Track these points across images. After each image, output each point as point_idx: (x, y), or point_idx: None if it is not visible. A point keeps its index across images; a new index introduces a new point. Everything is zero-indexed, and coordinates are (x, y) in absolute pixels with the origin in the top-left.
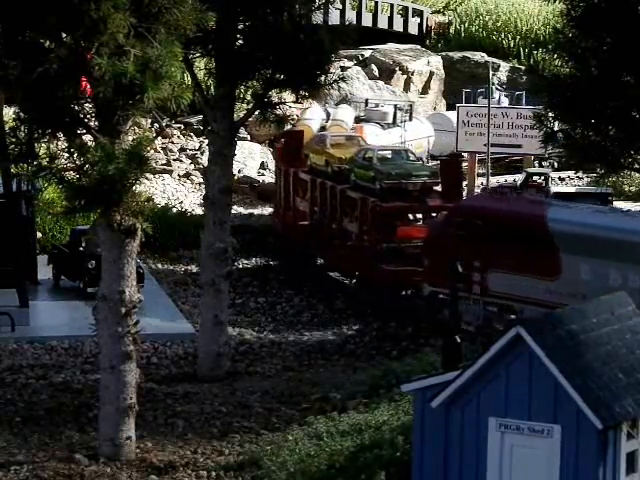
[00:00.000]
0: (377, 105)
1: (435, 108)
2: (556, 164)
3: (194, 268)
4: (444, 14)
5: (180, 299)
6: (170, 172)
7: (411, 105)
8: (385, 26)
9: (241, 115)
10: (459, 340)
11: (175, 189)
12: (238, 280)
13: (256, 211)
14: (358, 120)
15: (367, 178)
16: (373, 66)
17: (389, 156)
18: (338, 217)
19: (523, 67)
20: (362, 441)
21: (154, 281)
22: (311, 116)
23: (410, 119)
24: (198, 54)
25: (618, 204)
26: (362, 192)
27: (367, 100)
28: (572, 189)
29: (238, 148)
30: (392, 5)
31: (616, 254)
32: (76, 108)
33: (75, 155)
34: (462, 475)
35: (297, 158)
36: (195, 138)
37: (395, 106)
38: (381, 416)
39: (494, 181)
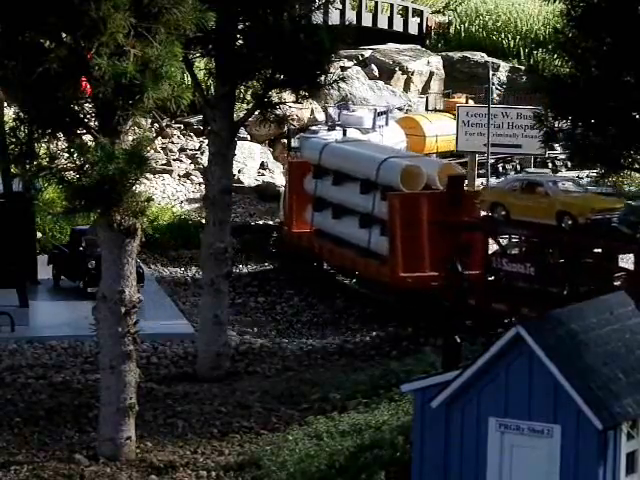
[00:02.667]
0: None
1: (435, 108)
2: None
3: (194, 268)
4: (444, 14)
5: (180, 299)
6: (170, 172)
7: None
8: (385, 26)
9: (241, 115)
10: (459, 340)
11: (175, 189)
12: (238, 280)
13: None
14: None
15: None
16: (373, 66)
17: None
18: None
19: (523, 67)
20: (362, 441)
21: (154, 281)
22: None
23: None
24: (198, 54)
25: None
26: None
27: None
28: None
29: (238, 148)
30: (392, 5)
31: None
32: (76, 108)
33: (75, 155)
34: (462, 475)
35: (458, 207)
36: (195, 138)
37: (289, 130)
38: (381, 416)
39: (493, 181)
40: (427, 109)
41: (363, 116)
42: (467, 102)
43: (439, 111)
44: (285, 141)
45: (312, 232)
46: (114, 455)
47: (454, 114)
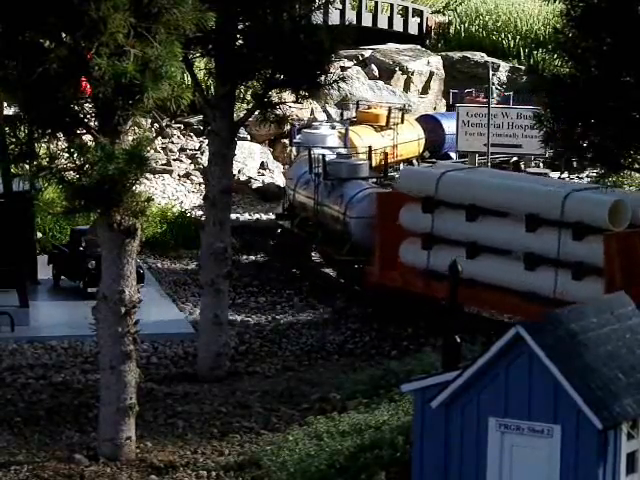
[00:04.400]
0: None
1: (435, 108)
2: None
3: (194, 268)
4: (444, 14)
5: (180, 299)
6: (170, 172)
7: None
8: (385, 26)
9: (241, 115)
10: (459, 340)
11: (175, 189)
12: (238, 280)
13: None
14: None
15: None
16: (373, 66)
17: None
18: None
19: (523, 67)
20: (362, 441)
21: (154, 281)
22: None
23: None
24: (198, 54)
25: None
26: None
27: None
28: None
29: (238, 148)
30: (392, 5)
31: None
32: (76, 108)
33: (75, 155)
34: (462, 475)
35: None
36: (195, 138)
37: (314, 158)
38: (381, 416)
39: None
40: (342, 120)
41: (326, 134)
42: (390, 115)
43: (353, 122)
44: (285, 141)
45: (423, 273)
46: (114, 455)
47: (373, 126)
